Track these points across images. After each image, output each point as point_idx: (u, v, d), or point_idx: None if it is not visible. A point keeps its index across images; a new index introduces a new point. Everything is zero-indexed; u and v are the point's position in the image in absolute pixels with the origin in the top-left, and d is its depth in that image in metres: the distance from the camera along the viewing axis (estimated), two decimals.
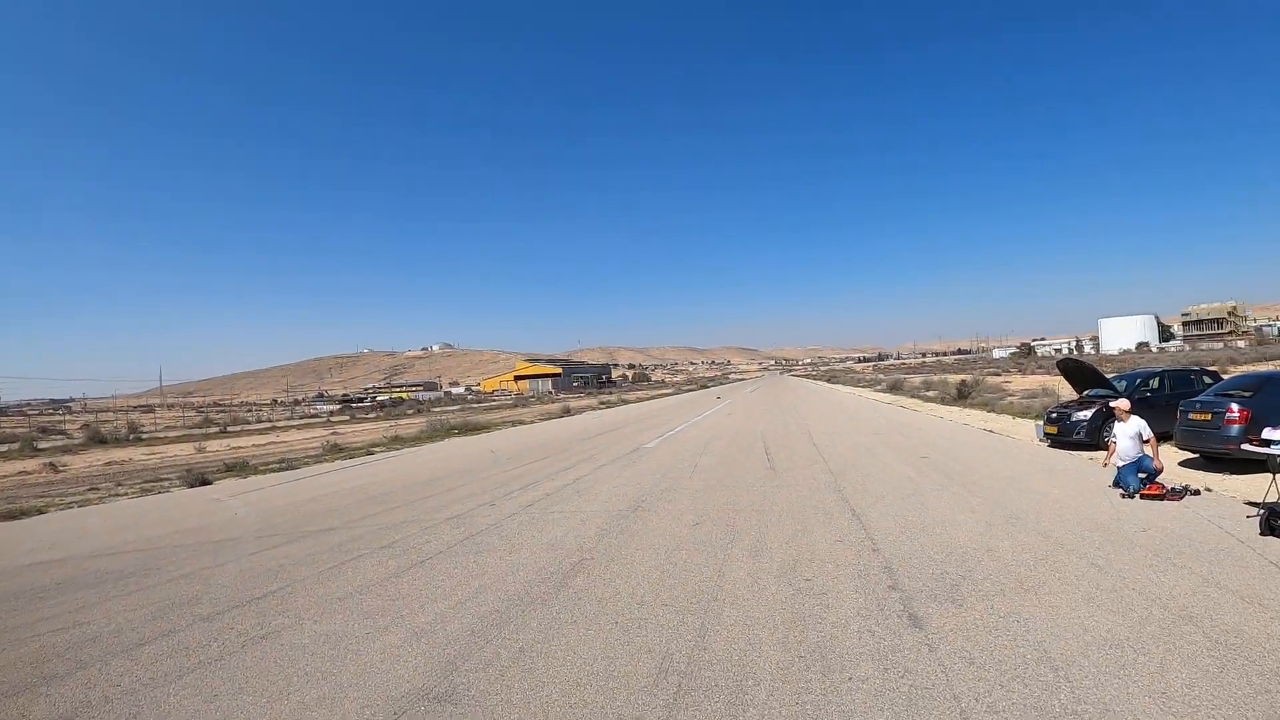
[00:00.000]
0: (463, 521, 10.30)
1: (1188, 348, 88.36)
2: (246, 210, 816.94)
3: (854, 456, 15.00)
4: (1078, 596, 5.63)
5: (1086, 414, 14.22)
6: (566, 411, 48.70)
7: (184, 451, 32.11)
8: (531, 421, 40.23)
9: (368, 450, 25.07)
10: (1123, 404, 10.48)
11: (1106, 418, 14.16)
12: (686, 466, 14.98)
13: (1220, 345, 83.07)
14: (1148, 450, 10.06)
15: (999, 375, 61.00)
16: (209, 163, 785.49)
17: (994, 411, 25.60)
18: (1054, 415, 14.96)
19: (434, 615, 6.01)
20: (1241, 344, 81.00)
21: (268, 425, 59.71)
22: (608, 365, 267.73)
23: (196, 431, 52.45)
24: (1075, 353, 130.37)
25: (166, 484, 18.40)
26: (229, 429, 54.62)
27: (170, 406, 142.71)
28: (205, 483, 17.53)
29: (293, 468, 20.40)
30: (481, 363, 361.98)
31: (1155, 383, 15.18)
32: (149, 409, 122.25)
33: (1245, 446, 9.89)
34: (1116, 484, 10.14)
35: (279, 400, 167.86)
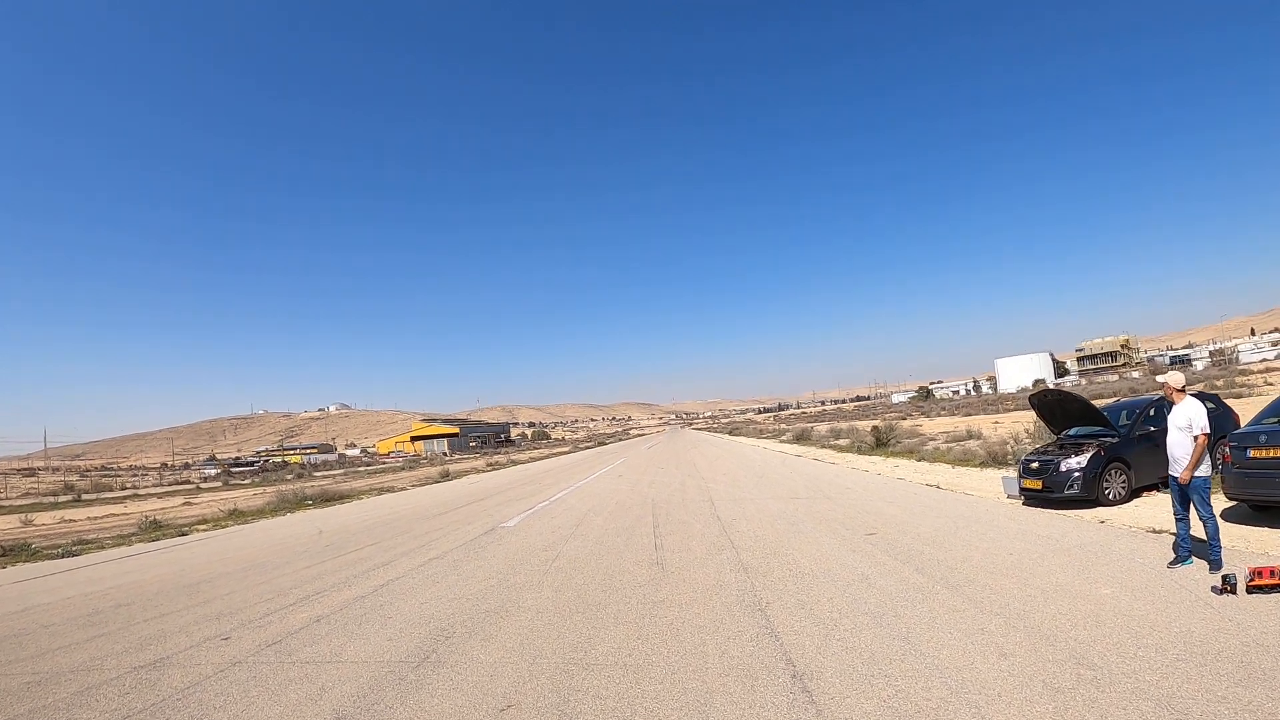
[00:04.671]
0: (151, 676, 6.65)
1: (1083, 382, 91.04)
2: (136, 264, 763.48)
3: (774, 537, 11.16)
4: None
5: (1081, 461, 10.99)
6: (445, 476, 44.95)
7: (8, 524, 28.55)
8: (403, 488, 36.48)
9: (183, 530, 21.68)
10: (1174, 379, 7.60)
11: (1106, 464, 10.96)
12: (542, 561, 10.78)
13: (1115, 378, 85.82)
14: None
15: (906, 419, 59.77)
16: (96, 218, 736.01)
17: (924, 460, 22.62)
18: (1035, 465, 11.70)
19: None
20: (1136, 375, 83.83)
21: (129, 492, 55.78)
22: (507, 424, 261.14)
23: (48, 499, 49.29)
24: (974, 393, 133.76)
25: None
26: (84, 496, 51.57)
27: (55, 469, 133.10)
28: None
29: (74, 554, 17.56)
30: (379, 423, 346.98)
31: (1154, 413, 12.12)
32: (31, 472, 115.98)
33: None
34: (1179, 560, 7.07)
35: (168, 464, 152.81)
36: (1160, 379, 7.92)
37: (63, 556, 17.30)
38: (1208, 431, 7.13)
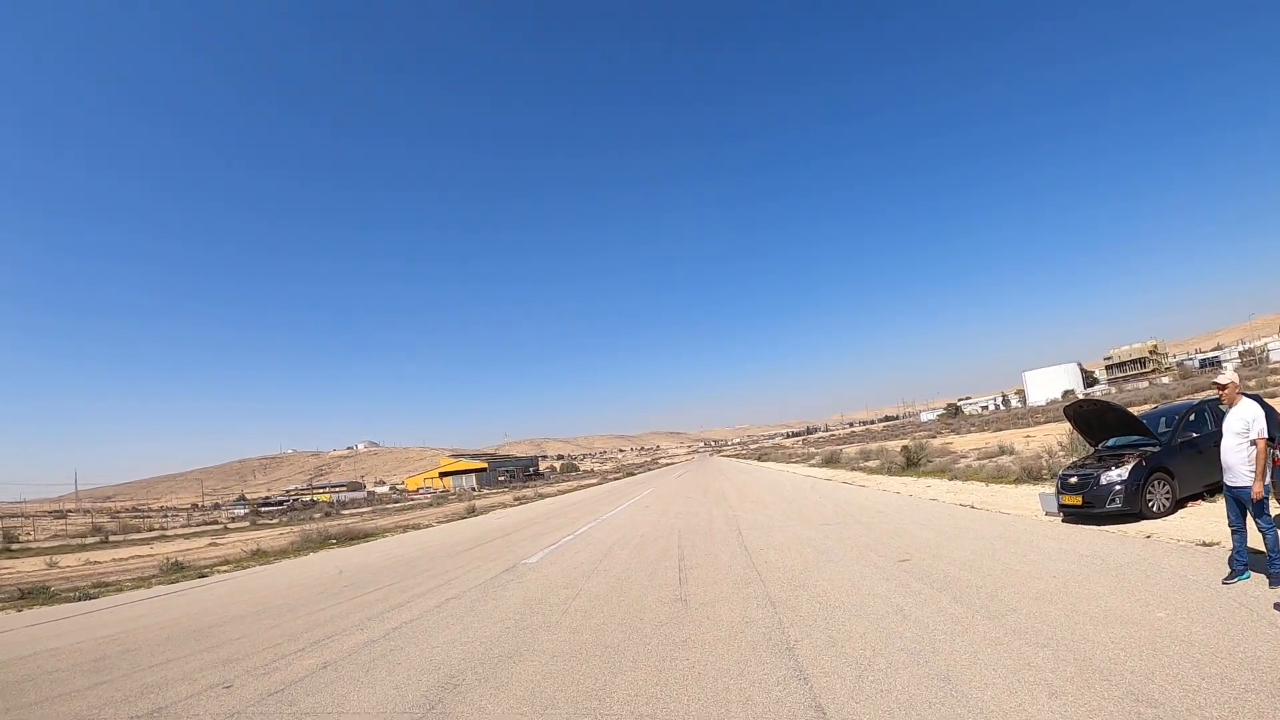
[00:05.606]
0: None
1: (1113, 390, 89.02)
2: (164, 302, 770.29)
3: (803, 567, 10.66)
4: None
5: (1122, 473, 10.42)
6: (471, 511, 44.55)
7: (33, 567, 28.46)
8: (429, 525, 36.28)
9: (203, 571, 21.67)
10: (1230, 378, 7.09)
11: (1149, 475, 10.38)
12: (561, 600, 10.37)
13: (1145, 384, 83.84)
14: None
15: (936, 437, 58.64)
16: (122, 255, 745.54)
17: (957, 479, 21.91)
18: (1073, 479, 11.12)
19: None
20: (1166, 380, 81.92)
21: (157, 534, 56.87)
22: (535, 458, 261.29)
23: (75, 541, 48.90)
24: (1002, 407, 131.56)
25: None
26: (111, 538, 51.63)
27: (86, 511, 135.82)
28: None
29: (91, 596, 17.53)
30: (408, 460, 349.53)
31: (1195, 418, 11.51)
32: (61, 514, 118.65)
33: None
34: (1235, 575, 6.61)
35: (198, 504, 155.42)
36: (1215, 379, 7.40)
37: (80, 599, 17.25)
38: (1267, 436, 6.62)
